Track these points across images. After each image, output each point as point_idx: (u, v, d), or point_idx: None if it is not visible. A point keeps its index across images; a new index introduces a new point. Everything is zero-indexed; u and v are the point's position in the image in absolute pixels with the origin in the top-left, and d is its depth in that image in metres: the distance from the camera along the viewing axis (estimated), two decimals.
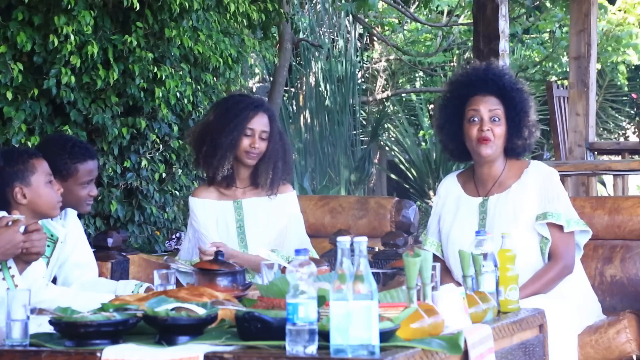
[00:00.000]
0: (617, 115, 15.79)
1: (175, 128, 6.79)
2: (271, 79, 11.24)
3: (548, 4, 14.03)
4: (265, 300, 3.39)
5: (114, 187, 6.51)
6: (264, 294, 3.43)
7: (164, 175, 6.79)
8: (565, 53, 14.14)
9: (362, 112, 14.23)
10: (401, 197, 5.78)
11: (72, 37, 5.96)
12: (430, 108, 14.85)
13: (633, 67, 15.69)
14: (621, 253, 4.81)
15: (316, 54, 13.11)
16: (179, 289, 3.57)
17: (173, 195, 6.94)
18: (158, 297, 3.34)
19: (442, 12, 14.53)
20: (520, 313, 3.72)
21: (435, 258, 4.23)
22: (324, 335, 2.87)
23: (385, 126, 14.42)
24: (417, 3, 13.48)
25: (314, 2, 13.59)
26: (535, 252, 4.40)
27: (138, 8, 6.22)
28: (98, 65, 6.18)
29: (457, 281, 4.28)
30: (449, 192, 4.61)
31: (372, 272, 2.88)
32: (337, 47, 13.48)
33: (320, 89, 12.99)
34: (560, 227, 4.38)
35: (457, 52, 15.11)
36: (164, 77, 6.46)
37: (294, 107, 13.01)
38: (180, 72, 6.69)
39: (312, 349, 2.84)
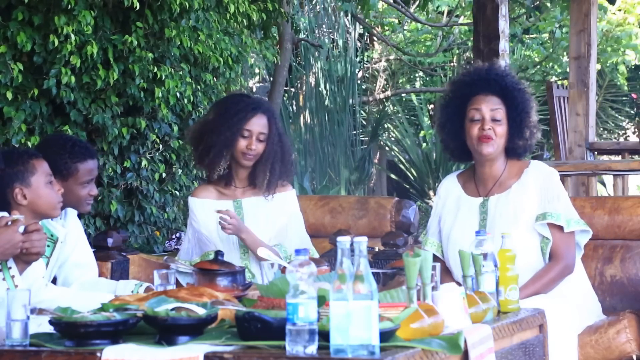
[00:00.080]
0: (617, 115, 15.79)
1: (175, 128, 6.79)
2: (271, 79, 11.24)
3: (548, 4, 14.02)
4: (265, 300, 3.39)
5: (114, 187, 6.51)
6: (264, 294, 3.43)
7: (164, 175, 6.79)
8: (565, 53, 14.13)
9: (362, 112, 14.22)
10: (401, 197, 5.78)
11: (72, 37, 5.96)
12: (430, 108, 14.84)
13: (633, 67, 15.68)
14: (621, 253, 4.81)
15: (316, 54, 13.10)
16: (179, 289, 3.57)
17: (173, 195, 6.94)
18: (158, 297, 3.34)
19: (442, 12, 14.53)
20: (520, 313, 3.72)
21: (436, 258, 4.23)
22: (324, 335, 2.87)
23: (385, 126, 14.41)
24: (417, 3, 13.48)
25: (314, 2, 13.58)
26: (536, 252, 4.40)
27: (138, 8, 6.22)
28: (98, 65, 6.18)
29: (457, 281, 4.28)
30: (449, 192, 4.61)
31: (372, 272, 2.88)
32: (337, 47, 13.47)
33: (320, 89, 12.99)
34: (561, 228, 4.38)
35: (457, 52, 15.10)
36: (163, 77, 6.45)
37: (294, 107, 13.00)
38: (180, 72, 6.68)
39: (312, 349, 2.84)
